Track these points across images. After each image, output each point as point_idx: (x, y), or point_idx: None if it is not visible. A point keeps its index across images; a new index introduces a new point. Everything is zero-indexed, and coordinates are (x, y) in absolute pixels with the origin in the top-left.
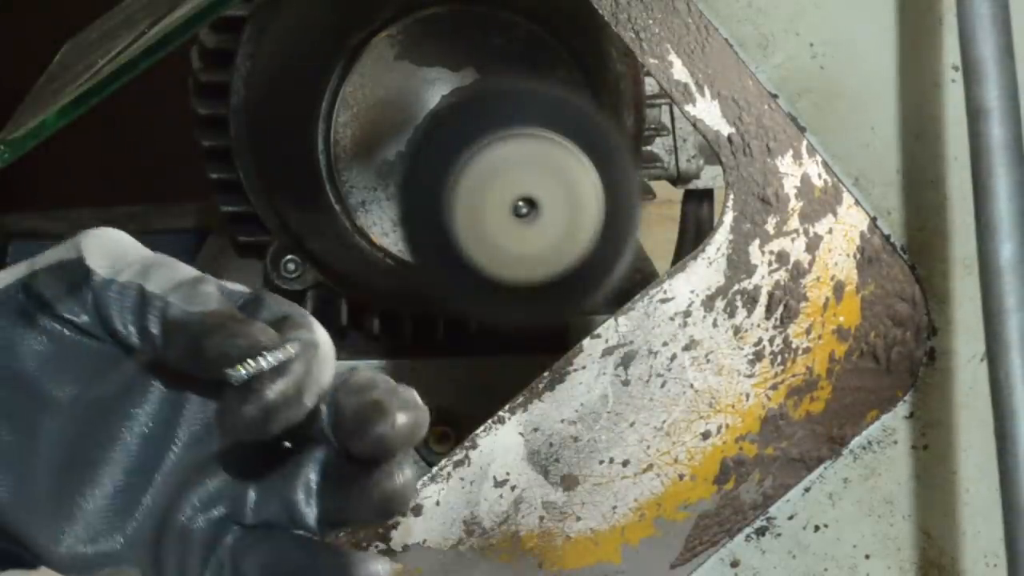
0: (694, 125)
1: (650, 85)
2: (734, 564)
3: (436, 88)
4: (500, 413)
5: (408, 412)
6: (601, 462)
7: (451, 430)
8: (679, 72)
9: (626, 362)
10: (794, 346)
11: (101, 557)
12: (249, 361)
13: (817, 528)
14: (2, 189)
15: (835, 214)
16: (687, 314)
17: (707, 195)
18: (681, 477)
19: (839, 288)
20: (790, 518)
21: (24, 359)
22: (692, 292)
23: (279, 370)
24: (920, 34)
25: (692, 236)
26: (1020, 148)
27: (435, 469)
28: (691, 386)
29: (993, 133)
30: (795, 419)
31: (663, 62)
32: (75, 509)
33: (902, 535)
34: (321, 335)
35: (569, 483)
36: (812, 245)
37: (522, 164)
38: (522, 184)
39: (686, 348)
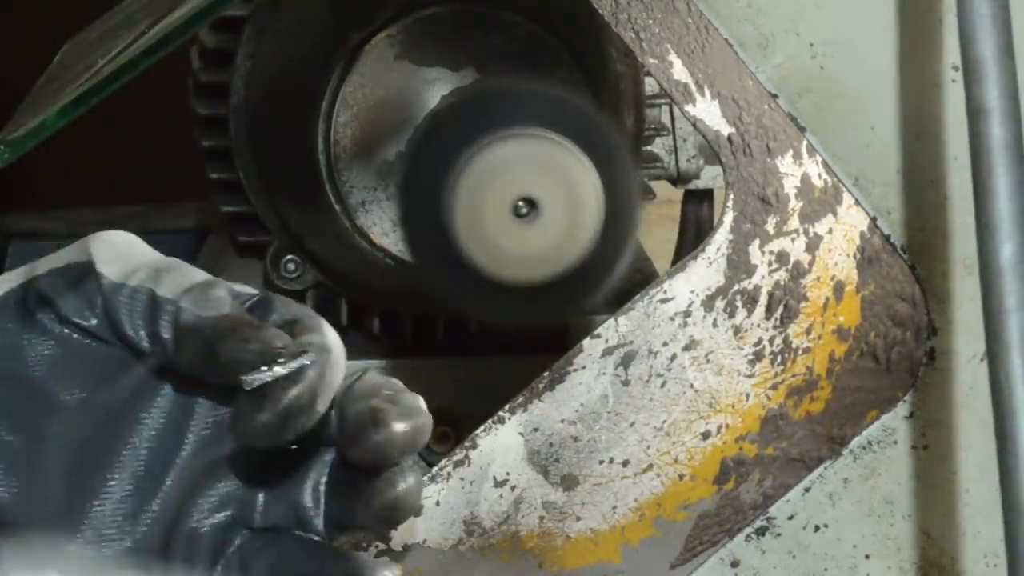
0: (694, 125)
1: (650, 85)
2: (734, 564)
3: (436, 88)
4: (500, 413)
5: (408, 420)
6: (601, 462)
7: (451, 430)
8: (679, 72)
9: (626, 362)
10: (794, 346)
11: (109, 561)
12: (263, 367)
13: (817, 528)
14: (2, 189)
15: (835, 214)
16: (687, 314)
17: (707, 195)
18: (681, 477)
19: (839, 288)
20: (790, 518)
21: (31, 362)
22: (692, 292)
23: (293, 376)
24: (920, 34)
25: (692, 236)
26: (1020, 148)
27: (435, 469)
28: (691, 386)
29: (993, 133)
30: (795, 419)
31: (663, 62)
32: (84, 514)
33: (902, 535)
34: (333, 339)
35: (569, 483)
36: (812, 245)
37: (522, 164)
38: (522, 184)
39: (686, 348)
